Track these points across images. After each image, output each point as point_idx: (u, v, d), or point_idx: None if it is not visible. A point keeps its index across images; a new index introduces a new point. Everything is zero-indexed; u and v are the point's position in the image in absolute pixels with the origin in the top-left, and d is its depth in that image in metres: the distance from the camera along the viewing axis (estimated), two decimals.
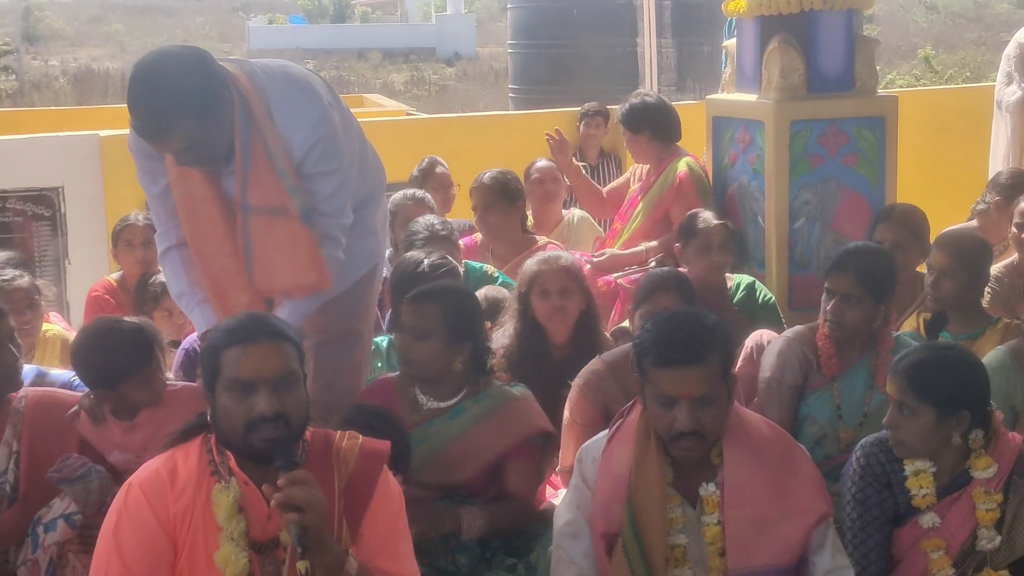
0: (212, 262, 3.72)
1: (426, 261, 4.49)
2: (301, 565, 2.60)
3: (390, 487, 2.92)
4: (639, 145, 5.84)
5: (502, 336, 4.49)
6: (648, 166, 5.89)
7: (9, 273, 4.90)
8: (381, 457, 2.92)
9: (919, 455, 3.19)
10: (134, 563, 2.73)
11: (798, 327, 4.20)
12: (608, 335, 4.78)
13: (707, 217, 4.92)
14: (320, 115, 3.60)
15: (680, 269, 4.75)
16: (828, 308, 3.97)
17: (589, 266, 5.44)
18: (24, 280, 4.80)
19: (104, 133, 7.36)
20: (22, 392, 3.72)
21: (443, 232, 5.11)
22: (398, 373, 4.02)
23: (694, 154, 5.83)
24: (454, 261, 4.71)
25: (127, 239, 5.62)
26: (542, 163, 6.35)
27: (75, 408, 3.69)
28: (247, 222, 3.59)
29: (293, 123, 3.55)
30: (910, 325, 4.50)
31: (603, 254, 5.74)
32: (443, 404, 3.82)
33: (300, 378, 2.85)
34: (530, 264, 4.56)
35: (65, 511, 3.41)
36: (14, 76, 31.27)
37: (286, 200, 3.54)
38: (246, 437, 2.74)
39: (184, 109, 3.34)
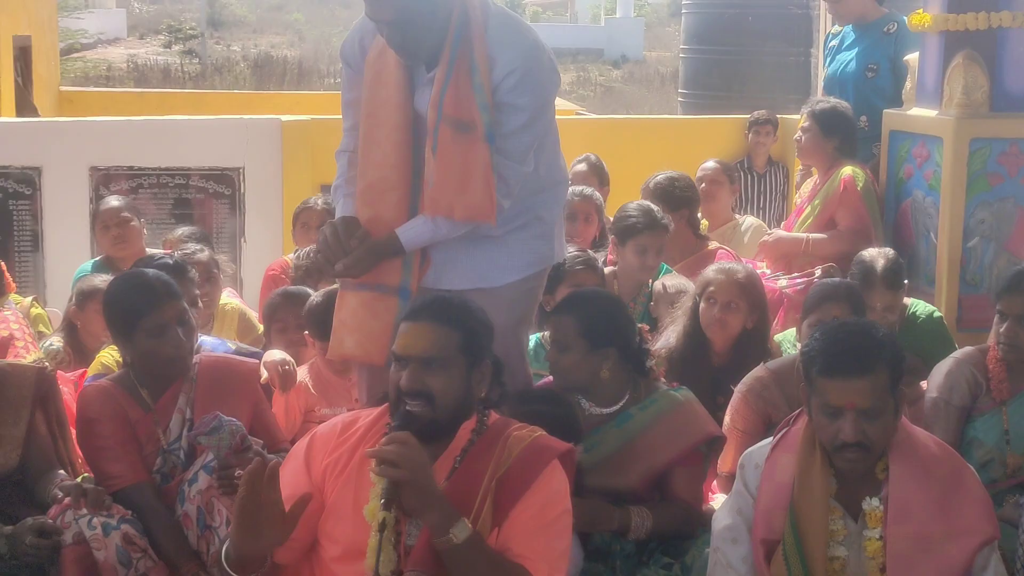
0: (373, 168, 3.70)
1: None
2: (382, 514, 2.70)
3: (551, 487, 2.93)
4: (819, 147, 5.75)
5: (670, 334, 4.49)
6: (815, 183, 5.85)
7: (191, 247, 5.09)
8: (549, 453, 2.95)
9: None
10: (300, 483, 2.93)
11: (968, 348, 4.10)
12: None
13: None
14: (530, 46, 3.58)
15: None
16: (1001, 331, 3.87)
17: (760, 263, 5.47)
18: (204, 254, 4.98)
19: (285, 118, 7.54)
20: (195, 359, 3.81)
21: None
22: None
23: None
24: (591, 254, 4.77)
25: (304, 221, 5.76)
26: (707, 164, 6.35)
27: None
28: (438, 129, 3.55)
29: (502, 44, 3.53)
30: None
31: (771, 234, 5.76)
32: (607, 410, 3.80)
33: (454, 363, 2.92)
34: (709, 270, 4.55)
35: (204, 463, 3.53)
36: (197, 60, 32.21)
37: (475, 115, 3.52)
38: (396, 407, 2.89)
39: None
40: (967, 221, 5.15)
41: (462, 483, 2.86)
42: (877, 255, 4.67)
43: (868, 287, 4.52)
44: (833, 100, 5.92)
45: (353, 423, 3.05)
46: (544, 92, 3.66)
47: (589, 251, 4.89)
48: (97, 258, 5.91)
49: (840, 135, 5.68)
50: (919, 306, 4.92)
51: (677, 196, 5.59)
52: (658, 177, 5.70)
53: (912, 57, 5.69)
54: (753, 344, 4.47)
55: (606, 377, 3.79)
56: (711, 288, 4.42)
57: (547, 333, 4.31)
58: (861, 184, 5.47)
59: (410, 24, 3.44)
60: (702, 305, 4.39)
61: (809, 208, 5.71)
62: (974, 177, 5.14)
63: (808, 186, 5.98)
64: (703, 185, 6.24)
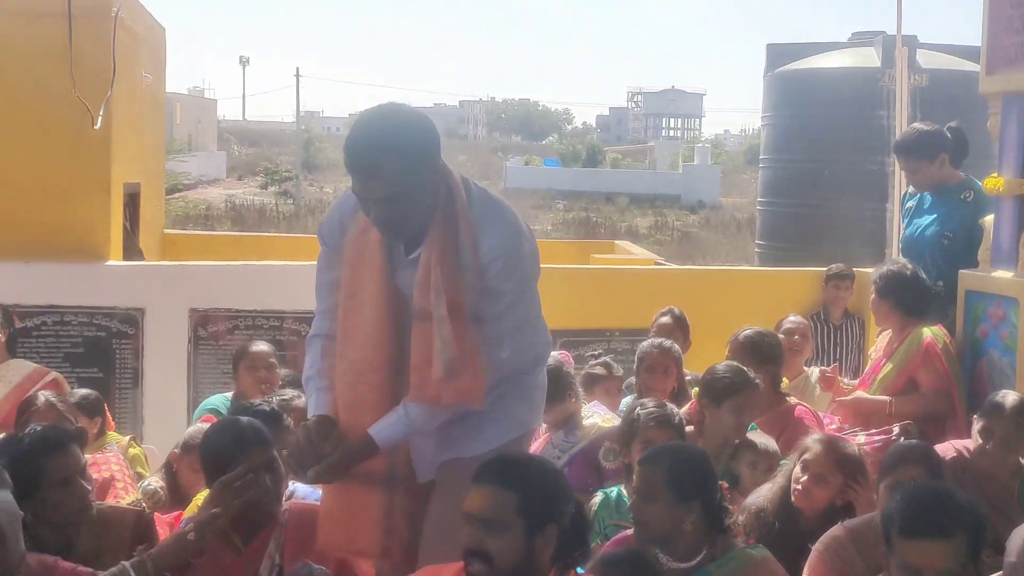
0: (355, 349, 3.52)
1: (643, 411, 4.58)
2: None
3: None
4: (882, 310, 5.77)
5: (760, 494, 4.43)
6: (891, 341, 5.80)
7: (287, 392, 5.14)
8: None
9: None
10: None
11: None
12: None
13: None
14: (513, 232, 3.47)
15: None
16: None
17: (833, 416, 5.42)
18: (301, 400, 5.02)
19: None
20: (285, 506, 3.82)
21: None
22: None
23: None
24: (668, 408, 4.71)
25: None
26: (794, 318, 6.36)
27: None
28: (436, 316, 3.36)
29: (485, 229, 3.41)
30: None
31: (851, 394, 5.66)
32: (684, 565, 3.74)
33: (512, 525, 2.91)
34: (811, 437, 4.46)
35: None
36: (291, 200, 32.94)
37: (461, 298, 3.36)
38: (466, 567, 2.92)
39: (397, 151, 3.25)
40: None
41: None
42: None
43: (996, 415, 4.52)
44: (897, 264, 5.89)
45: None
46: (527, 277, 3.56)
47: (668, 404, 4.86)
48: (228, 394, 6.00)
49: (894, 297, 5.65)
50: None
51: (765, 352, 5.55)
52: (747, 331, 5.67)
53: (988, 219, 5.69)
54: (845, 515, 4.27)
55: (688, 531, 3.74)
56: (806, 456, 4.32)
57: (619, 489, 4.32)
58: (941, 345, 5.42)
59: (399, 201, 3.31)
60: (796, 470, 4.33)
61: (888, 367, 5.63)
62: None
63: (884, 340, 5.94)
64: (795, 337, 6.25)
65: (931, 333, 5.47)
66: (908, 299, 5.65)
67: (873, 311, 5.96)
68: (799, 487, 4.25)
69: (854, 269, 7.67)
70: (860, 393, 5.63)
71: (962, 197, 6.08)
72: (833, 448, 4.36)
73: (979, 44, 5.46)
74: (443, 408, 3.42)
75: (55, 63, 7.32)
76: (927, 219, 6.20)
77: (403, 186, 3.27)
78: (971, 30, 5.54)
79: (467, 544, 2.90)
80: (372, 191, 3.28)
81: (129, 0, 8.41)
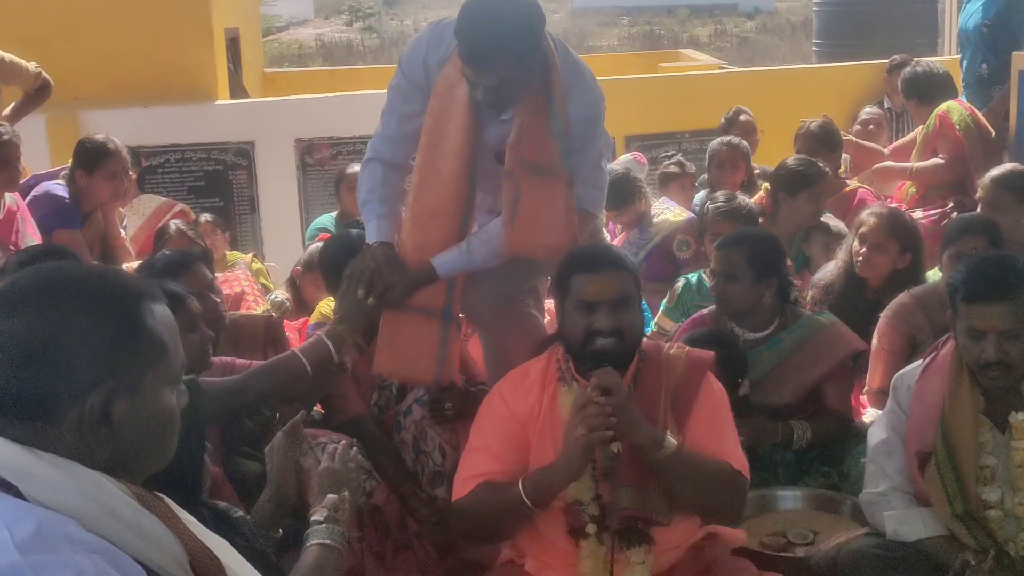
0: (430, 195, 3.37)
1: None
2: (614, 445, 2.68)
3: (713, 390, 2.99)
4: (910, 106, 6.20)
5: (826, 270, 4.46)
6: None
7: None
8: (705, 364, 3.01)
9: None
10: (497, 448, 2.91)
11: None
12: None
13: None
14: (598, 97, 3.39)
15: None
16: None
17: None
18: None
19: None
20: None
21: None
22: (711, 308, 4.05)
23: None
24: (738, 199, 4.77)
25: None
26: (869, 109, 6.37)
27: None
28: (520, 174, 3.26)
29: (575, 92, 3.29)
30: None
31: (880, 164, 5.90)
32: (759, 335, 3.83)
33: (636, 301, 2.95)
34: (865, 211, 4.51)
35: (416, 396, 3.62)
36: (376, 35, 32.67)
37: (556, 160, 3.25)
38: (585, 346, 2.87)
39: (515, 44, 3.07)
40: None
41: (641, 403, 2.87)
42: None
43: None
44: (910, 65, 6.29)
45: (526, 374, 3.04)
46: (601, 133, 3.54)
47: (737, 195, 4.84)
48: (333, 214, 6.18)
49: (913, 93, 6.03)
50: None
51: (834, 140, 5.59)
52: (812, 123, 5.70)
53: None
54: (906, 283, 4.28)
55: (767, 304, 3.83)
56: (862, 229, 4.37)
57: (708, 268, 4.35)
58: (956, 117, 5.47)
59: (511, 84, 3.15)
60: (854, 244, 4.33)
61: (918, 144, 5.75)
62: None
63: None
64: (870, 127, 6.33)
65: (946, 108, 5.55)
66: (921, 91, 5.92)
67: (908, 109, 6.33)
68: (860, 258, 4.30)
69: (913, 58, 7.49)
70: (887, 162, 5.74)
71: None
72: (886, 218, 4.38)
73: None
74: (505, 252, 3.34)
75: None
76: (973, 8, 6.20)
77: (517, 72, 3.12)
78: None
79: (605, 325, 2.84)
80: (487, 78, 3.09)
81: None
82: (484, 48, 3.04)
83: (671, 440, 2.76)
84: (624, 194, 5.29)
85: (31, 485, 1.44)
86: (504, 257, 3.37)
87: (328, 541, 2.25)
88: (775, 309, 3.87)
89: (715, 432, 2.92)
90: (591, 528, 2.82)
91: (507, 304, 3.53)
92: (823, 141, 5.48)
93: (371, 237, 3.40)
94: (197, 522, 1.65)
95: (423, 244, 3.38)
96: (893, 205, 5.40)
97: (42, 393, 1.49)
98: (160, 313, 1.60)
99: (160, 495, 1.59)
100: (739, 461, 2.93)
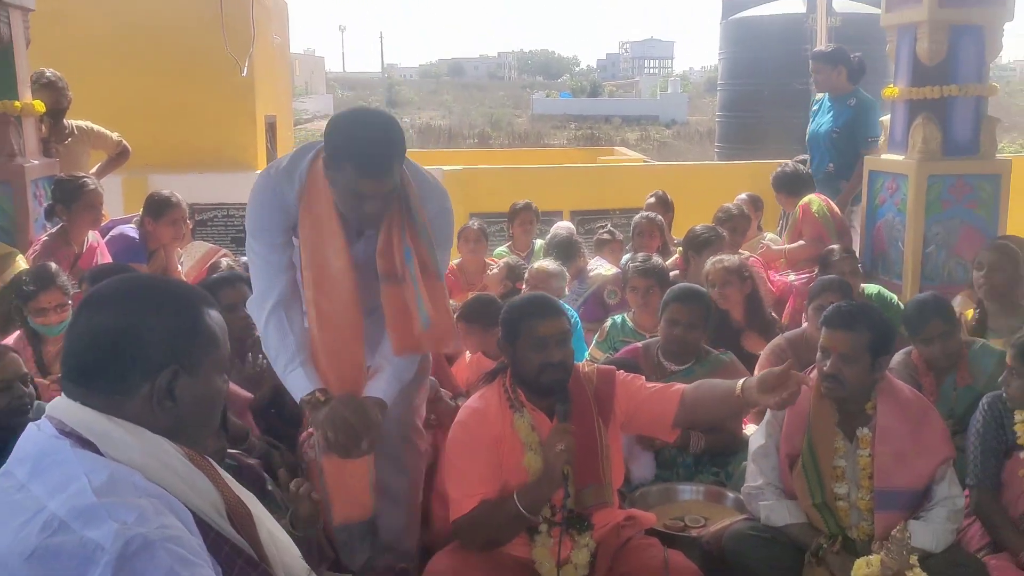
0: (333, 314, 2.75)
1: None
2: (566, 468, 2.71)
3: (626, 379, 2.97)
4: (780, 199, 6.04)
5: None
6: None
7: None
8: (611, 373, 2.99)
9: None
10: (480, 472, 2.79)
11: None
12: (773, 315, 4.79)
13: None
14: (442, 192, 2.90)
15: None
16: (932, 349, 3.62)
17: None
18: None
19: (445, 168, 7.66)
20: None
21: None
22: (643, 343, 4.01)
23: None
24: (652, 259, 4.68)
25: (465, 237, 5.69)
26: (744, 195, 6.32)
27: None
28: (408, 276, 2.74)
29: (427, 193, 2.80)
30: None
31: (763, 244, 5.82)
32: (680, 367, 3.82)
33: (571, 338, 2.91)
34: (707, 264, 4.59)
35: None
36: None
37: (426, 258, 2.75)
38: (539, 377, 2.82)
39: (401, 148, 2.63)
40: (926, 234, 5.02)
41: (576, 407, 2.84)
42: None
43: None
44: (781, 166, 6.13)
45: (485, 412, 2.88)
46: (452, 222, 3.02)
47: (653, 257, 4.83)
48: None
49: (782, 188, 5.92)
50: (871, 288, 4.82)
51: (733, 217, 5.65)
52: (728, 204, 5.81)
53: (885, 119, 5.60)
54: (756, 303, 4.57)
55: (694, 346, 3.82)
56: (710, 276, 4.47)
57: (630, 312, 4.38)
58: (815, 207, 5.44)
59: (392, 191, 2.64)
60: (710, 289, 4.37)
61: (788, 227, 5.78)
62: (931, 203, 5.00)
63: None
64: (744, 209, 6.27)
65: (807, 200, 5.53)
66: (787, 186, 5.85)
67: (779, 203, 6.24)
68: (717, 296, 4.38)
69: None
70: (770, 245, 5.76)
71: (848, 103, 6.09)
72: (718, 263, 4.51)
73: None
74: (420, 353, 2.91)
75: (212, 30, 7.29)
76: (824, 119, 6.26)
77: (396, 179, 2.64)
78: None
79: (558, 359, 2.79)
80: (383, 187, 2.59)
81: None
82: (381, 157, 2.58)
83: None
84: (570, 252, 5.32)
85: (106, 444, 1.48)
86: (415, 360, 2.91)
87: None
88: (697, 349, 3.85)
89: (643, 396, 2.92)
90: (543, 527, 2.80)
91: (403, 437, 3.08)
92: (721, 220, 5.57)
93: (306, 387, 2.70)
94: (234, 480, 1.68)
95: (339, 358, 2.77)
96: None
97: (121, 372, 1.52)
98: (214, 315, 1.63)
99: (207, 457, 1.62)
100: (673, 394, 2.87)
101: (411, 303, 2.74)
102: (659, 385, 2.98)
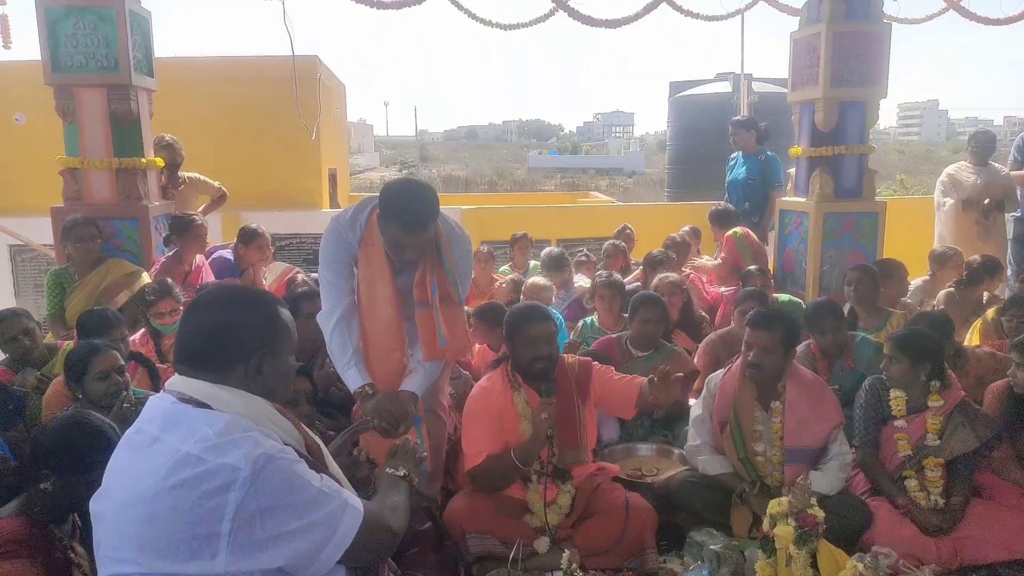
0: (381, 331, 2.76)
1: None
2: (549, 430, 2.70)
3: (600, 368, 2.97)
4: (713, 231, 5.87)
5: None
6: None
7: None
8: (588, 363, 2.99)
9: (899, 387, 3.02)
10: (487, 434, 2.80)
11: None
12: (703, 314, 4.73)
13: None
14: (467, 239, 2.87)
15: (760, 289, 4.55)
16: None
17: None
18: None
19: (463, 207, 7.67)
20: None
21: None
22: (616, 335, 3.95)
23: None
24: (614, 276, 4.55)
25: (477, 258, 5.43)
26: (688, 228, 6.18)
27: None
28: (435, 304, 2.73)
29: (453, 240, 2.79)
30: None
31: (695, 264, 5.70)
32: (642, 354, 3.80)
33: (556, 337, 2.88)
34: (656, 278, 4.57)
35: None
36: (414, 176, 32.72)
37: (450, 291, 2.75)
38: (531, 366, 2.82)
39: (435, 211, 2.62)
40: (822, 256, 5.02)
41: (559, 391, 2.84)
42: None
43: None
44: (720, 205, 5.96)
45: (491, 390, 2.88)
46: (472, 263, 2.98)
47: (615, 275, 4.79)
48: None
49: (714, 222, 5.78)
50: (783, 297, 4.79)
51: (677, 244, 5.60)
52: (673, 234, 5.74)
53: (791, 170, 5.62)
54: (688, 309, 4.51)
55: (654, 337, 3.77)
56: (658, 288, 4.37)
57: (593, 318, 4.36)
58: (736, 238, 5.41)
59: (428, 242, 2.67)
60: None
61: (717, 251, 5.72)
62: (826, 233, 4.99)
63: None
64: (686, 238, 6.17)
65: (732, 232, 5.48)
66: (719, 220, 5.77)
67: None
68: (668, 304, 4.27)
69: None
70: (700, 262, 5.69)
71: (759, 158, 6.14)
72: (663, 279, 4.45)
73: (787, 76, 5.33)
74: (426, 358, 2.80)
75: (288, 105, 7.31)
76: (740, 170, 6.26)
77: (432, 234, 2.66)
78: (784, 67, 5.40)
79: (547, 353, 2.78)
80: (420, 239, 2.60)
81: (326, 69, 8.34)
82: (421, 219, 2.57)
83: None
84: (560, 264, 5.32)
85: (218, 403, 1.52)
86: (440, 364, 2.88)
87: (397, 473, 1.98)
88: (657, 341, 3.80)
89: (611, 382, 2.92)
90: (534, 477, 2.80)
91: (431, 412, 3.03)
92: (670, 246, 5.55)
93: (359, 381, 2.70)
94: (307, 430, 1.72)
95: (388, 371, 2.79)
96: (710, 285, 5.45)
97: (222, 356, 1.55)
98: (286, 312, 1.67)
99: (288, 411, 1.67)
100: (634, 384, 2.87)
101: (433, 323, 2.74)
102: (625, 377, 2.96)
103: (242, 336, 1.55)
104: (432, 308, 2.72)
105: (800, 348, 3.64)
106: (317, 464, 1.61)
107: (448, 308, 2.74)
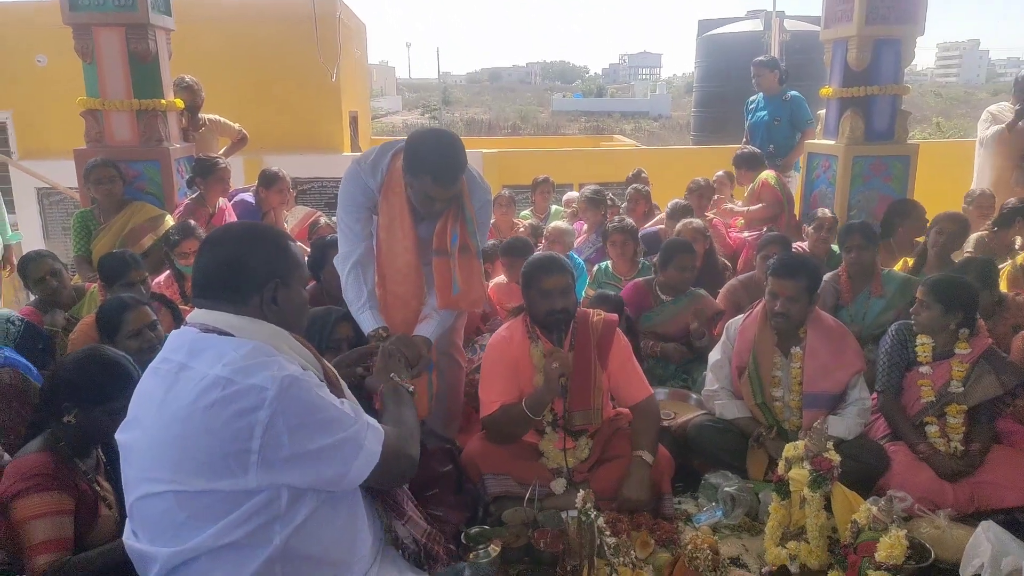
0: (397, 282, 2.75)
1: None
2: (563, 379, 2.63)
3: (621, 342, 2.88)
4: (739, 174, 5.71)
5: None
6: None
7: None
8: (613, 324, 2.89)
9: (927, 333, 2.97)
10: (503, 384, 2.77)
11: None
12: (725, 262, 4.70)
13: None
14: (486, 189, 2.83)
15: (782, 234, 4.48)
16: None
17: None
18: None
19: (485, 151, 7.59)
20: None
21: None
22: (646, 279, 3.93)
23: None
24: (627, 222, 4.49)
25: (499, 202, 5.46)
26: (720, 173, 6.04)
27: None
28: (453, 254, 2.70)
29: (473, 190, 2.74)
30: (899, 266, 4.18)
31: (730, 208, 5.62)
32: (671, 298, 3.80)
33: (572, 288, 2.79)
34: (679, 225, 4.47)
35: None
36: (438, 122, 32.58)
37: (469, 241, 2.72)
38: (546, 319, 2.77)
39: (464, 163, 2.58)
40: (850, 200, 4.92)
41: (578, 350, 2.79)
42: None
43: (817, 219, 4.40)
44: (747, 149, 5.78)
45: (509, 339, 2.84)
46: (490, 212, 2.98)
47: (628, 219, 4.60)
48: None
49: (741, 165, 5.63)
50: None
51: (702, 187, 5.49)
52: (697, 178, 5.58)
53: (821, 112, 5.45)
54: (711, 255, 4.47)
55: (687, 281, 3.78)
56: (682, 234, 4.29)
57: (607, 263, 4.31)
58: (773, 180, 5.33)
59: (455, 194, 2.63)
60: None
61: (747, 195, 5.60)
62: (855, 177, 4.89)
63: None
64: (722, 180, 6.07)
65: (766, 175, 5.40)
66: (747, 163, 5.61)
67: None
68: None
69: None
70: (730, 205, 5.62)
71: (784, 98, 5.99)
72: (687, 224, 4.41)
73: (820, 13, 5.13)
74: (440, 307, 2.77)
75: (308, 46, 7.22)
76: (762, 112, 6.13)
77: (459, 187, 2.63)
78: (818, 3, 5.18)
79: (560, 306, 2.73)
80: (450, 193, 2.57)
81: (346, 8, 8.19)
82: (453, 172, 2.53)
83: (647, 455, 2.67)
84: (598, 201, 5.22)
85: (241, 331, 1.56)
86: (453, 313, 2.85)
87: (404, 384, 1.96)
88: (686, 287, 3.79)
89: (626, 369, 2.85)
90: (548, 429, 2.79)
91: (445, 354, 3.06)
92: (694, 190, 5.47)
93: (371, 324, 2.66)
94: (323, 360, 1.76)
95: (406, 318, 2.79)
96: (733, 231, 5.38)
97: (238, 287, 1.59)
98: (295, 245, 1.70)
99: (304, 339, 1.70)
100: (645, 387, 2.84)
101: (449, 272, 2.70)
102: (638, 370, 2.89)
103: (255, 267, 1.59)
104: (450, 257, 2.69)
105: (826, 278, 3.63)
106: (336, 391, 1.66)
107: (465, 258, 2.71)
